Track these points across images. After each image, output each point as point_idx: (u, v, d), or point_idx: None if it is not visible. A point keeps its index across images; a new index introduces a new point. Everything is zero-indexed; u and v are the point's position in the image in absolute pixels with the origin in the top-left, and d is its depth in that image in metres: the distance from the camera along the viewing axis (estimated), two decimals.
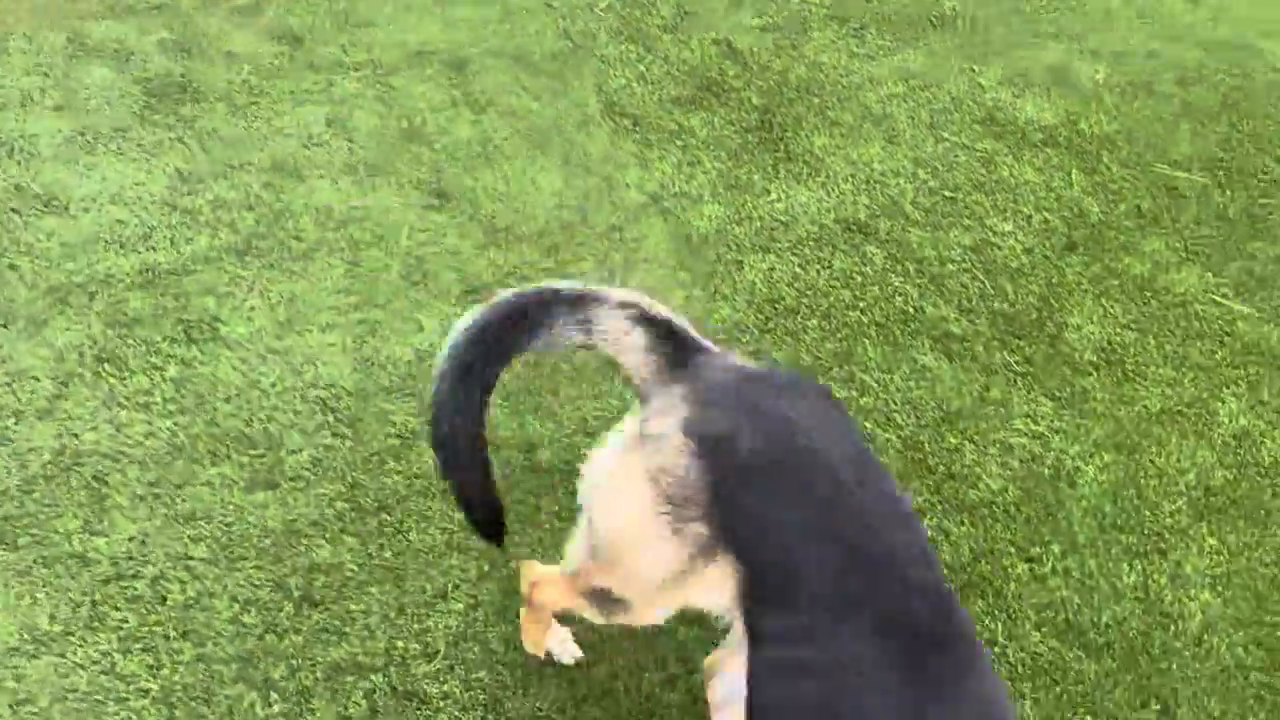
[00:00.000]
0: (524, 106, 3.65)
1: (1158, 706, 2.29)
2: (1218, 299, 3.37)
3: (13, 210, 3.07)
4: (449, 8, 4.12)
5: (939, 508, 2.63)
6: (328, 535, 2.37)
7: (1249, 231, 3.63)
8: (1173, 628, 2.45)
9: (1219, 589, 2.54)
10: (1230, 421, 2.96)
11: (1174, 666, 2.36)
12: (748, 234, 3.31)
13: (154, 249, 2.98)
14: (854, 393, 2.88)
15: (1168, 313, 3.27)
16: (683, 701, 2.19)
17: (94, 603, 2.21)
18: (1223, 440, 2.90)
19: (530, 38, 4.00)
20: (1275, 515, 2.73)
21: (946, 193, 3.60)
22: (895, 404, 2.86)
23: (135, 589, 2.25)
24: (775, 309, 3.09)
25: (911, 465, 2.71)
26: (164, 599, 2.23)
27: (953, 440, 2.80)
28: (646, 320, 1.67)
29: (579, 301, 1.66)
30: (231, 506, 2.40)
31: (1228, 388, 3.05)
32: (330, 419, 2.61)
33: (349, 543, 2.36)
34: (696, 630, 2.28)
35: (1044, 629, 2.41)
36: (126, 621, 2.19)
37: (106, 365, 2.65)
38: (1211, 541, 2.65)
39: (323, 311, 2.88)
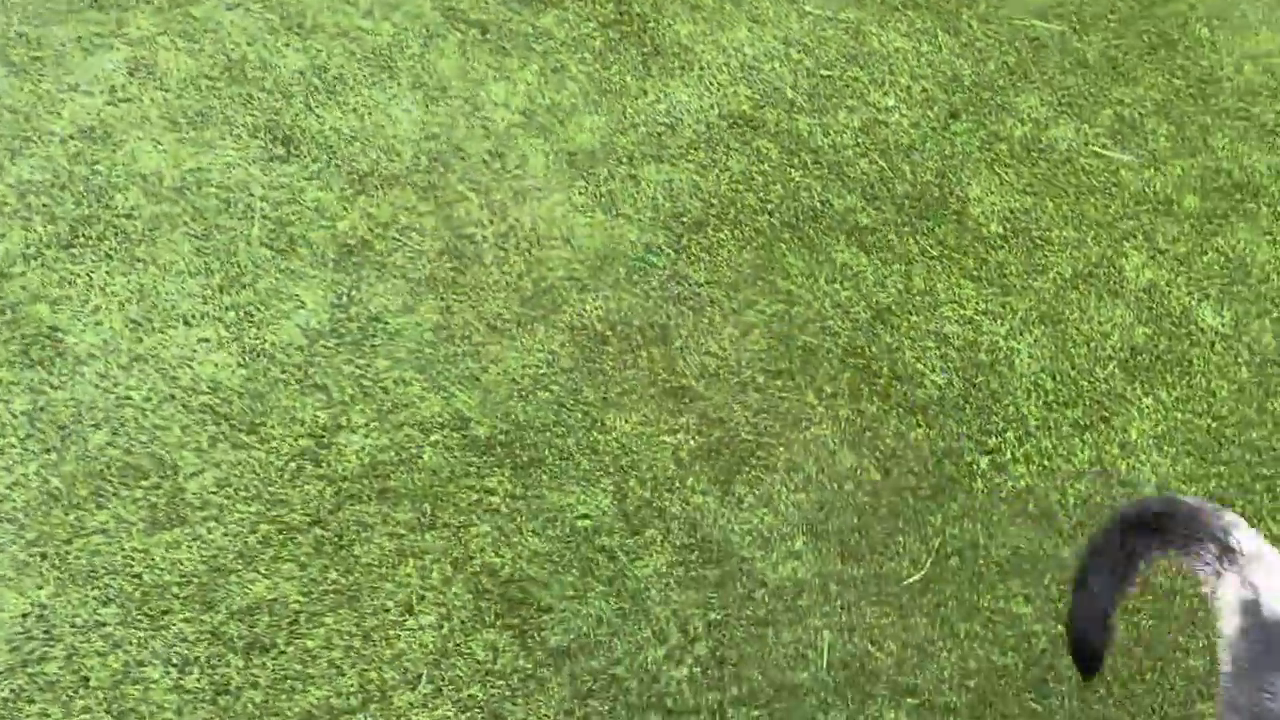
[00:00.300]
0: (354, 25, 3.24)
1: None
2: (1098, 150, 3.39)
3: None
4: None
5: (893, 413, 2.57)
6: (259, 566, 2.09)
7: (1111, 76, 3.65)
8: (1134, 496, 2.49)
9: (1164, 449, 2.60)
10: (1136, 276, 3.00)
11: None
12: (634, 143, 3.08)
13: None
14: (783, 305, 2.75)
15: (1056, 172, 3.26)
16: (690, 674, 2.07)
17: (2, 701, 1.87)
18: (1134, 296, 2.94)
19: None
20: (1196, 364, 2.81)
21: (823, 72, 3.46)
22: (827, 309, 2.76)
23: (47, 673, 1.92)
24: (683, 224, 2.90)
25: (858, 374, 2.62)
26: (85, 680, 1.91)
27: (889, 339, 2.73)
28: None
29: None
30: (136, 553, 2.08)
31: (1127, 241, 3.09)
32: (225, 428, 2.28)
33: (285, 570, 2.09)
34: (691, 593, 2.15)
35: (1018, 520, 2.41)
36: (48, 715, 1.87)
37: None
38: (1147, 401, 2.70)
39: (183, 301, 2.50)
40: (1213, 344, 2.89)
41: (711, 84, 3.33)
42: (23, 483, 2.14)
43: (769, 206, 3.01)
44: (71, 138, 2.80)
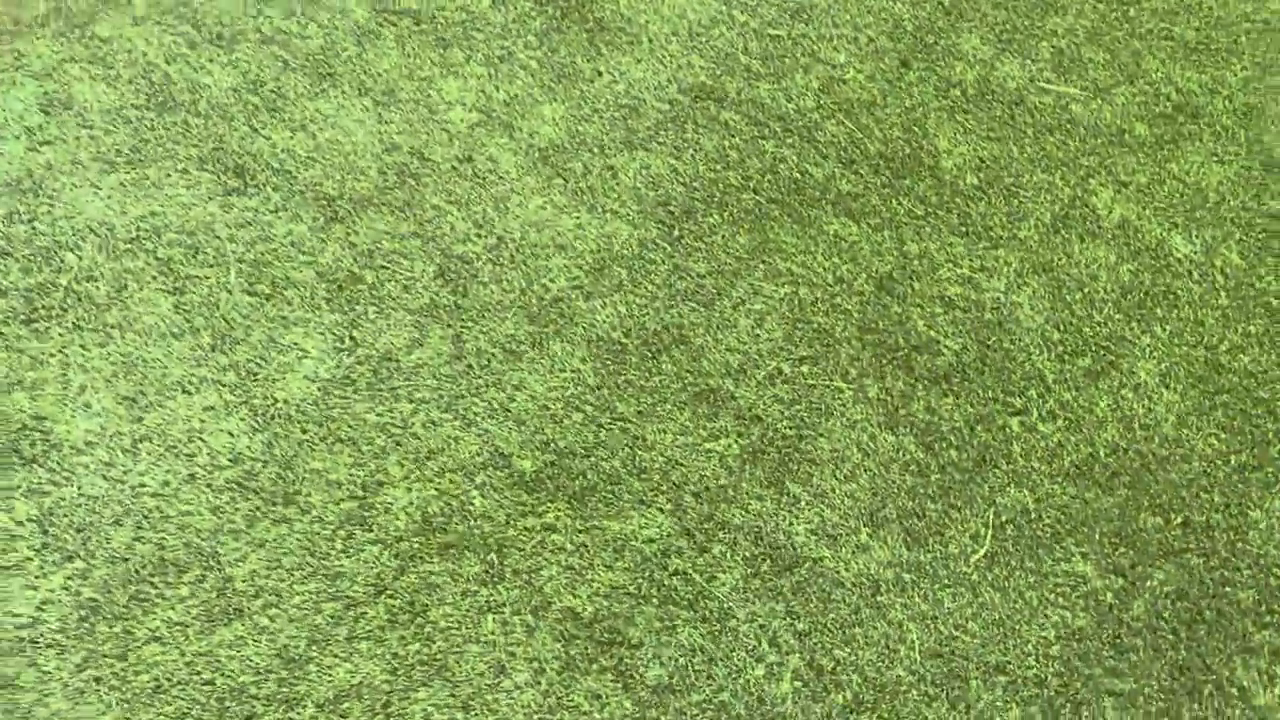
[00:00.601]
0: (278, 30, 3.03)
1: (1179, 519, 2.46)
2: (1044, 85, 3.46)
3: None
4: None
5: (919, 386, 2.60)
6: (334, 649, 1.99)
7: (1041, 8, 3.72)
8: (1156, 436, 2.60)
9: (1171, 385, 2.72)
10: (1108, 213, 3.10)
11: (1173, 475, 2.53)
12: (601, 130, 2.99)
13: None
14: (788, 288, 2.74)
15: (1012, 113, 3.32)
16: (793, 689, 2.09)
17: None
18: (1111, 234, 3.04)
19: None
20: (1181, 296, 2.93)
21: (770, 31, 3.41)
22: (831, 286, 2.76)
23: None
24: (671, 213, 2.85)
25: (877, 350, 2.64)
26: None
27: (897, 309, 2.76)
28: None
29: None
30: (199, 657, 1.95)
31: (1092, 178, 3.19)
32: (259, 503, 2.15)
33: (364, 649, 2.00)
34: (772, 604, 2.15)
35: (1058, 480, 2.49)
36: None
37: None
38: (1145, 340, 2.81)
39: (174, 366, 2.32)
40: (1190, 273, 3.01)
41: (664, 56, 3.25)
42: (53, 599, 1.97)
43: (751, 184, 2.97)
44: None
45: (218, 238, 2.54)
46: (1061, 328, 2.79)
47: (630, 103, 3.09)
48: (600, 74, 3.15)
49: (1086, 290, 2.88)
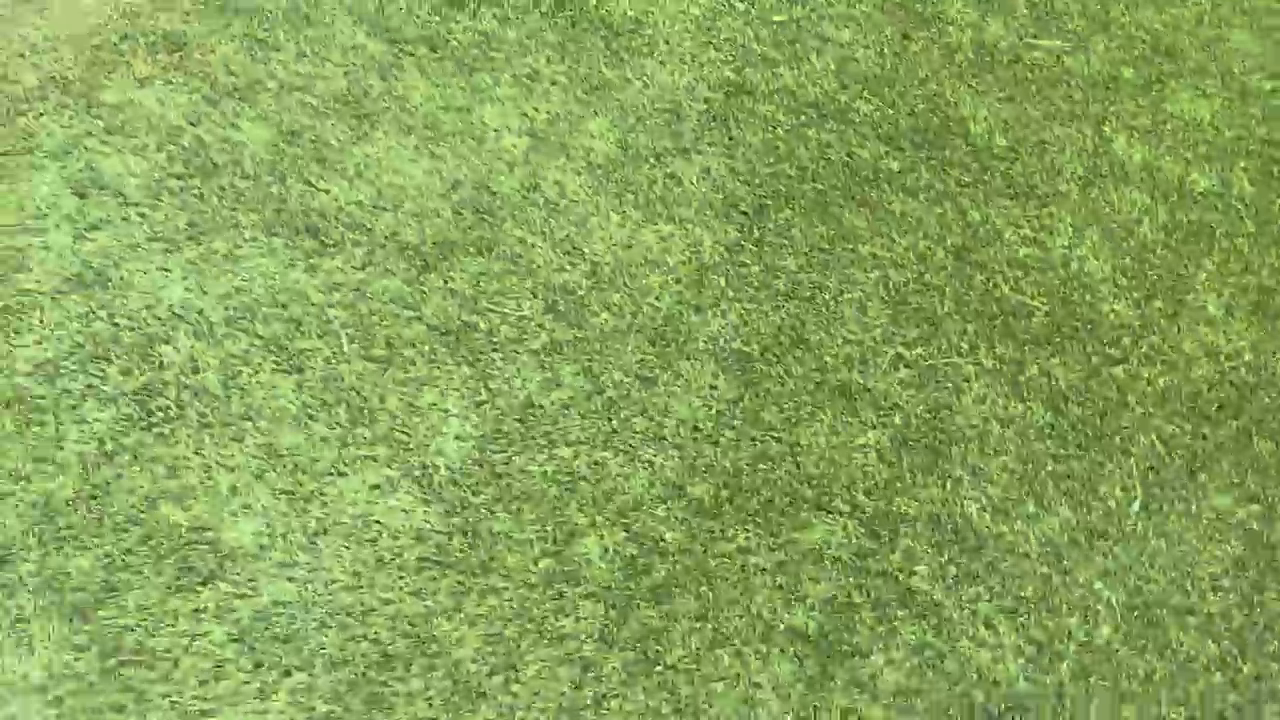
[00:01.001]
0: (295, 74, 2.89)
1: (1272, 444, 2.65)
2: (1033, 42, 3.63)
3: None
4: None
5: (1030, 354, 2.72)
6: (588, 717, 1.96)
7: None
8: (1241, 366, 2.79)
9: (1235, 315, 2.92)
10: (1129, 158, 3.29)
11: (1266, 400, 2.72)
12: (650, 139, 2.98)
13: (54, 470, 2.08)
14: (876, 272, 2.80)
15: (1012, 73, 3.47)
16: (1022, 669, 2.17)
17: None
18: (1139, 178, 3.23)
19: None
20: (1215, 229, 3.14)
21: (773, 18, 3.46)
22: (914, 263, 2.85)
23: None
24: (744, 214, 2.87)
25: (980, 322, 2.74)
26: None
27: (980, 278, 2.87)
28: None
29: None
30: None
31: (1105, 125, 3.37)
32: (459, 576, 2.08)
33: (615, 708, 1.97)
34: (972, 588, 2.23)
35: (1175, 419, 2.65)
36: None
37: (136, 666, 1.88)
38: (1201, 276, 3.01)
39: (320, 450, 2.22)
40: (1215, 207, 3.22)
41: (683, 55, 3.25)
42: (281, 714, 1.87)
43: (808, 173, 3.02)
44: (61, 292, 2.36)
45: (314, 305, 2.42)
46: (1127, 274, 2.95)
47: (668, 106, 3.08)
48: (630, 81, 3.13)
49: (1136, 235, 3.05)
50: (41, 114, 2.67)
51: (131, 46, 2.84)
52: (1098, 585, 2.31)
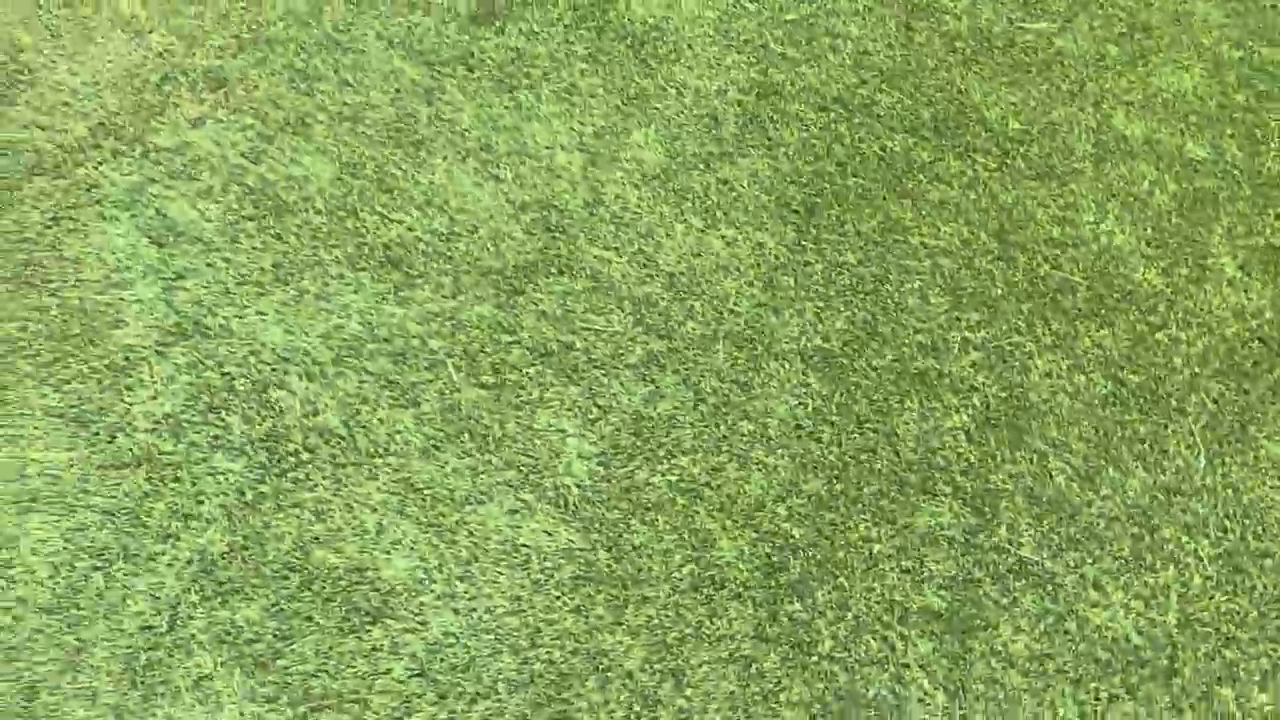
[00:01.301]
0: (343, 105, 2.91)
1: None
2: (1024, 26, 3.81)
3: None
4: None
5: (1081, 328, 2.89)
6: (762, 714, 2.06)
7: None
8: (1264, 324, 3.01)
9: (1252, 274, 3.14)
10: (1131, 132, 3.49)
11: None
12: (696, 145, 3.08)
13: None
14: (928, 260, 2.95)
15: (1010, 57, 3.65)
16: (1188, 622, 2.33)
17: None
18: (1142, 152, 3.44)
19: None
20: (1218, 195, 3.36)
21: (785, 16, 3.58)
22: (960, 249, 3.00)
23: None
24: (796, 213, 3.00)
25: (1030, 300, 2.90)
26: None
27: (1024, 259, 3.03)
28: None
29: None
30: None
31: (1103, 103, 3.57)
32: (611, 590, 2.17)
33: (785, 699, 2.08)
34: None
35: (1218, 378, 2.85)
36: None
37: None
38: (1214, 239, 3.22)
39: (454, 480, 2.27)
40: (1212, 173, 3.45)
41: (708, 60, 3.34)
42: None
43: (848, 169, 3.14)
44: (165, 345, 2.36)
45: (414, 337, 2.46)
46: (1151, 244, 3.15)
47: (705, 112, 3.17)
48: (664, 89, 3.21)
49: (1151, 206, 3.25)
50: (100, 163, 2.64)
51: (174, 87, 2.82)
52: (1184, 539, 2.49)
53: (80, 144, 2.66)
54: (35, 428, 2.14)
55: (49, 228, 2.46)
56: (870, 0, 3.67)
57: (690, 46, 3.34)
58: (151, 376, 2.27)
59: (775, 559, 2.28)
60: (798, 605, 2.21)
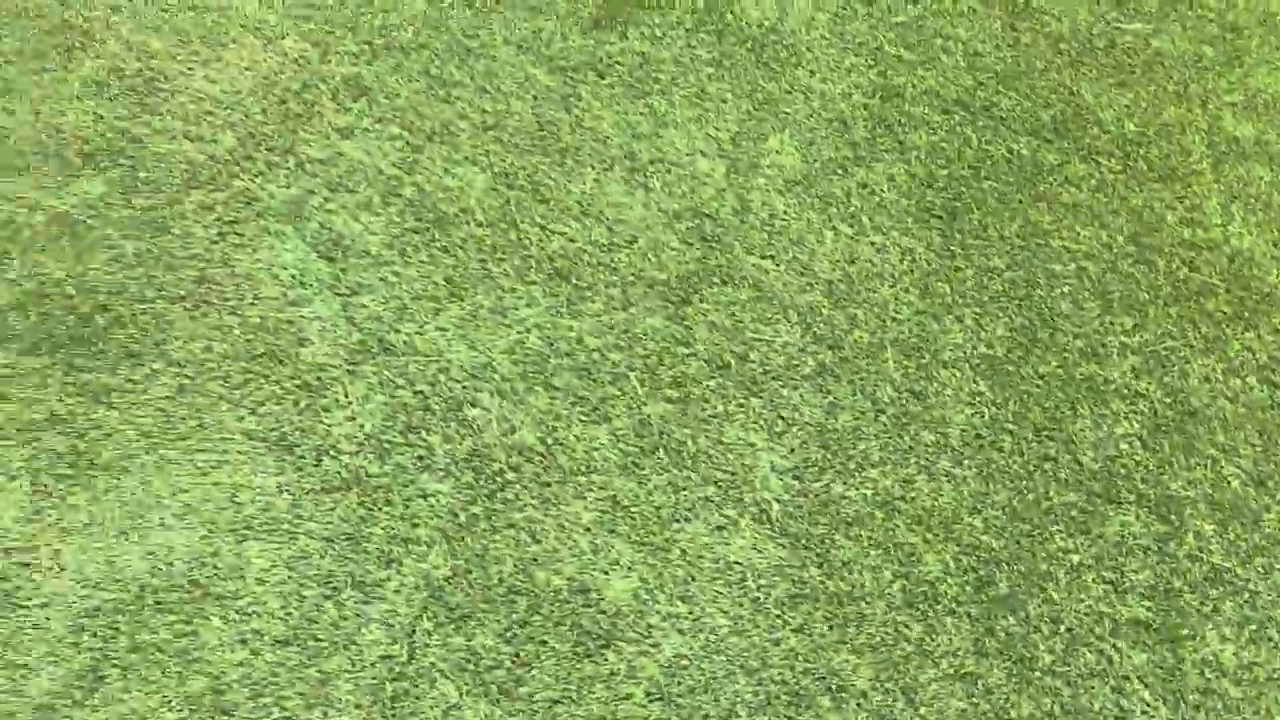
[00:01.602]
0: (483, 112, 2.87)
1: None
2: (1120, 26, 3.84)
3: None
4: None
5: (1226, 329, 2.91)
6: None
7: None
8: None
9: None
10: (1242, 133, 3.52)
11: None
12: (831, 150, 3.08)
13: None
14: (1073, 264, 2.96)
15: (1113, 58, 3.67)
16: None
17: None
18: (1256, 154, 3.47)
19: None
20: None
21: (896, 19, 3.57)
22: (1102, 252, 3.01)
23: None
24: (939, 218, 3.00)
25: (1177, 304, 2.91)
26: None
27: (1162, 263, 3.05)
28: None
29: None
30: None
31: (1209, 103, 3.60)
32: (827, 608, 2.15)
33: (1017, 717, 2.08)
34: None
35: None
36: None
37: None
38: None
39: (659, 498, 2.25)
40: None
41: (829, 63, 3.34)
42: None
43: (980, 173, 3.15)
44: (354, 364, 2.31)
45: (594, 350, 2.43)
46: (1278, 245, 3.17)
47: (834, 116, 3.16)
48: (790, 92, 3.20)
49: (1273, 206, 3.28)
50: (256, 175, 2.58)
51: (315, 95, 2.76)
52: None
53: (232, 155, 2.60)
54: (239, 452, 2.08)
55: (215, 243, 2.40)
56: (974, 2, 3.67)
57: (809, 50, 3.32)
58: (346, 396, 2.21)
59: (982, 573, 2.27)
60: (1011, 620, 2.21)
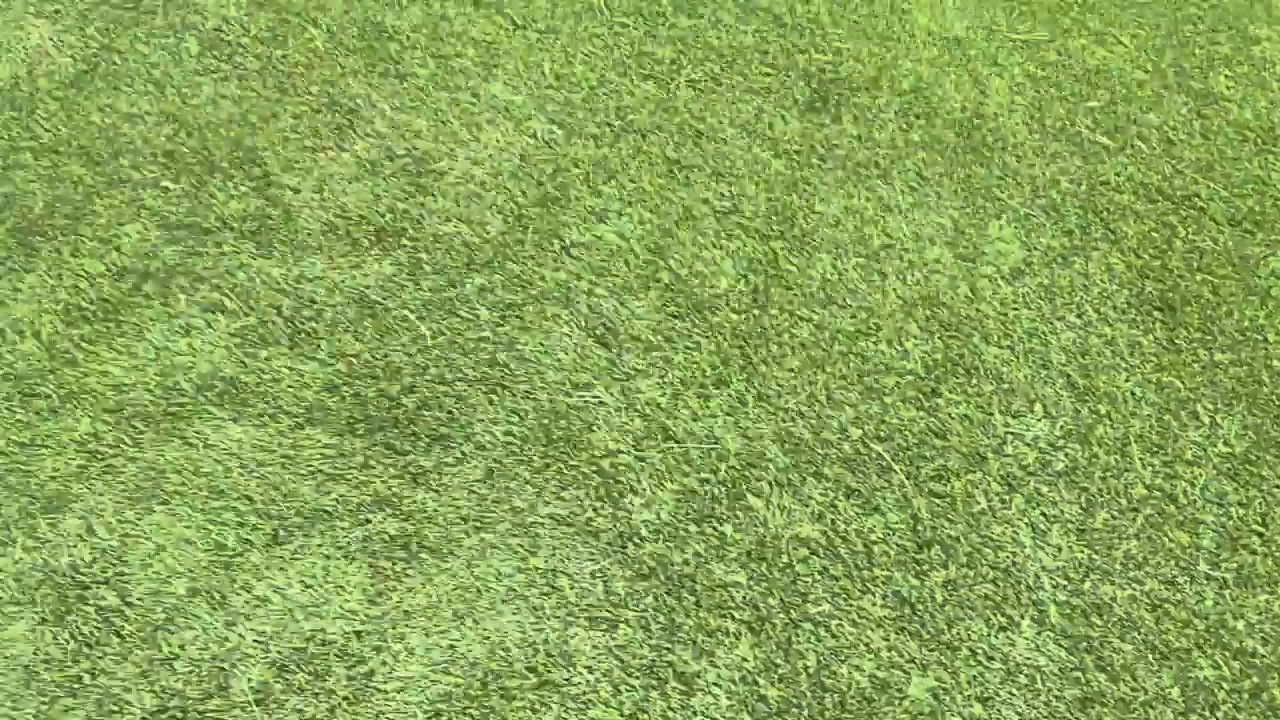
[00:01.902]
0: (721, 199, 2.94)
1: None
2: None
3: None
4: None
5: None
6: None
7: None
8: None
9: None
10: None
11: None
12: (1051, 238, 3.12)
13: None
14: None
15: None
16: None
17: None
18: None
19: None
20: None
21: (1089, 104, 3.63)
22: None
23: None
24: (1159, 310, 3.04)
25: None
26: None
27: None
28: None
29: None
30: None
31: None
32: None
33: None
34: None
35: None
36: None
37: None
38: None
39: (940, 595, 2.29)
40: None
41: (1035, 149, 3.40)
42: None
43: (1191, 263, 3.19)
44: (640, 450, 2.37)
45: (858, 441, 2.48)
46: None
47: (1046, 204, 3.23)
48: (1002, 178, 3.27)
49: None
50: (527, 259, 2.67)
51: (566, 179, 2.85)
52: None
53: (502, 238, 2.69)
54: (551, 537, 2.15)
55: (500, 325, 2.48)
56: (1161, 88, 3.72)
57: (1013, 134, 3.38)
58: (640, 482, 2.28)
59: (1255, 679, 2.30)
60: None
